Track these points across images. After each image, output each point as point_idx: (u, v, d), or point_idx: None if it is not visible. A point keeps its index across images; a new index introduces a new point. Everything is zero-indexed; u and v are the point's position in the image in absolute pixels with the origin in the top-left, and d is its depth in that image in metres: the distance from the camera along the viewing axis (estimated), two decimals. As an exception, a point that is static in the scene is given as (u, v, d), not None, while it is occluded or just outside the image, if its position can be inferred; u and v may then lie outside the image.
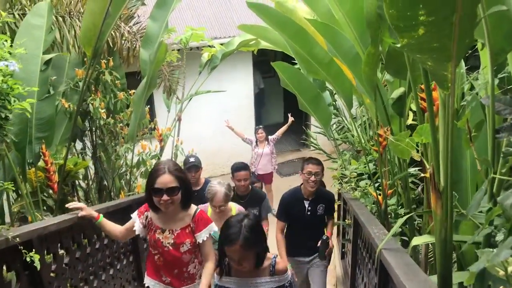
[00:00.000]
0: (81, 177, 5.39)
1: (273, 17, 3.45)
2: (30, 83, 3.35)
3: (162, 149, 6.14)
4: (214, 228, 2.68)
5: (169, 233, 2.55)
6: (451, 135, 1.48)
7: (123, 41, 5.14)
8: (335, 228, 5.48)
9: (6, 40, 2.32)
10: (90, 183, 5.70)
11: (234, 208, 3.61)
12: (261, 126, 7.78)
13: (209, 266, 2.58)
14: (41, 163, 3.98)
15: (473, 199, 1.75)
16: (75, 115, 3.78)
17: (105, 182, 5.68)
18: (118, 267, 3.60)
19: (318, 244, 3.67)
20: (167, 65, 5.82)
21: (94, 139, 5.64)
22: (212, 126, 9.20)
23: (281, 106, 11.67)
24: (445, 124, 1.49)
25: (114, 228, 2.75)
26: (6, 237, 2.03)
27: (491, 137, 1.80)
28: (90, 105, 4.81)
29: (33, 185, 4.14)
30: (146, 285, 2.77)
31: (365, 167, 4.48)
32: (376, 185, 4.04)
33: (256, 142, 7.61)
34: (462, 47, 1.29)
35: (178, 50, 6.57)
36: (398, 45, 1.51)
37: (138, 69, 5.61)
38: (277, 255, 2.40)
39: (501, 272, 1.15)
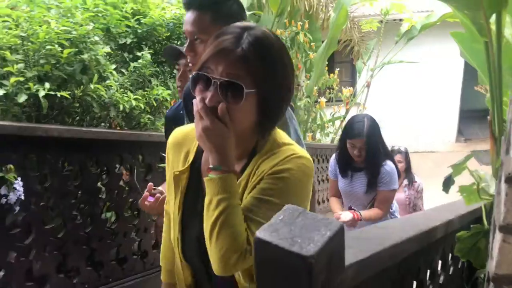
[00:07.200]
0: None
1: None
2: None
3: (347, 111, 6.64)
4: None
5: None
6: (499, 85, 1.52)
7: (319, 6, 5.71)
8: None
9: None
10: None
11: None
12: (402, 150, 4.10)
13: None
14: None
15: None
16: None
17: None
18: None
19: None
20: (357, 31, 6.15)
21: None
22: (406, 99, 9.07)
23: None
24: (493, 75, 1.53)
25: None
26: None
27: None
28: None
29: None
30: None
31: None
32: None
33: None
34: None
35: (381, 21, 6.80)
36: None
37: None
38: None
39: (474, 187, 1.33)
